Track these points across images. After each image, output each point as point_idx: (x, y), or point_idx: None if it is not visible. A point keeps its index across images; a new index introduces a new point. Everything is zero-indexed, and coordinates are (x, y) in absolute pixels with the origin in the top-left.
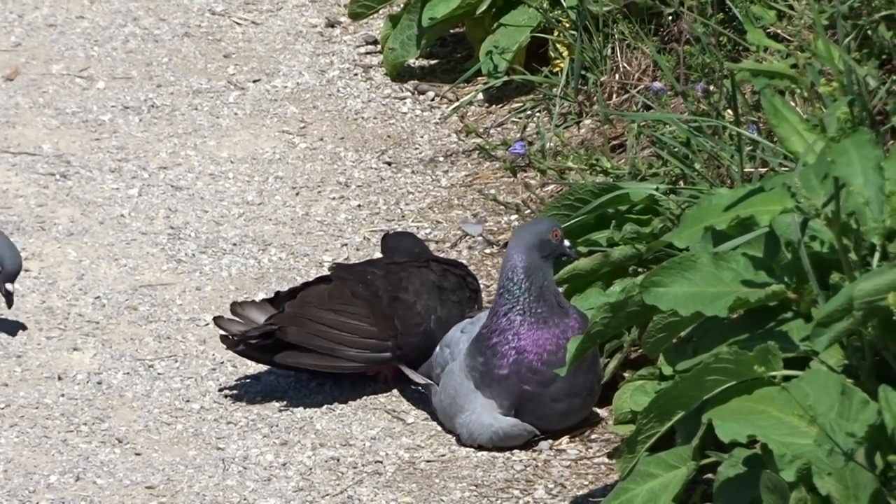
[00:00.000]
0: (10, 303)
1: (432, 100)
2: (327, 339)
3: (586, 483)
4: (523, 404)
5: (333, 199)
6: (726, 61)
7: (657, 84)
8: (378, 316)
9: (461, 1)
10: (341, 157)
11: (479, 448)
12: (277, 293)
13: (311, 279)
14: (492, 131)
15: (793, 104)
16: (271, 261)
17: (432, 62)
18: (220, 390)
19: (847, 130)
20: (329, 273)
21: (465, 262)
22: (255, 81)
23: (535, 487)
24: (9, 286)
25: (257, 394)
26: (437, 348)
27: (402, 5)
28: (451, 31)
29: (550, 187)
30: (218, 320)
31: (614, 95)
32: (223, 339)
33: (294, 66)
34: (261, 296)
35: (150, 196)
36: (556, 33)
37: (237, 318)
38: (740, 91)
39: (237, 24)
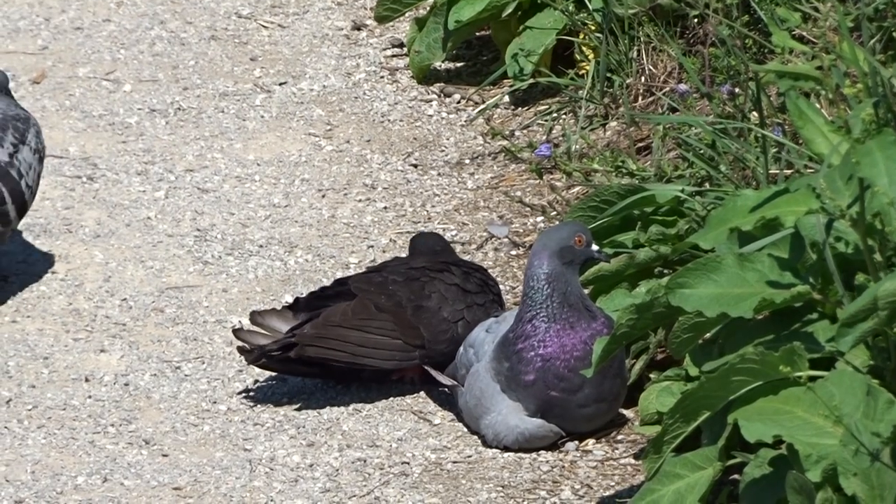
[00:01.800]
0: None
1: (458, 102)
2: (352, 353)
3: (613, 484)
4: (550, 409)
5: (360, 201)
6: (751, 63)
7: (682, 86)
8: (404, 327)
9: (487, 4)
10: (367, 159)
11: (505, 449)
12: (297, 300)
13: (328, 284)
14: (518, 133)
15: (818, 106)
16: (297, 263)
17: (458, 65)
18: (247, 392)
19: (872, 132)
20: (345, 279)
21: (490, 263)
22: (281, 84)
23: (562, 488)
24: None
25: (284, 395)
26: (462, 348)
27: (427, 8)
28: (477, 33)
29: (576, 189)
30: (238, 333)
31: (640, 98)
32: (242, 351)
33: (320, 68)
34: (287, 298)
35: (176, 198)
36: (581, 36)
37: (258, 329)
38: (765, 93)
39: (263, 27)
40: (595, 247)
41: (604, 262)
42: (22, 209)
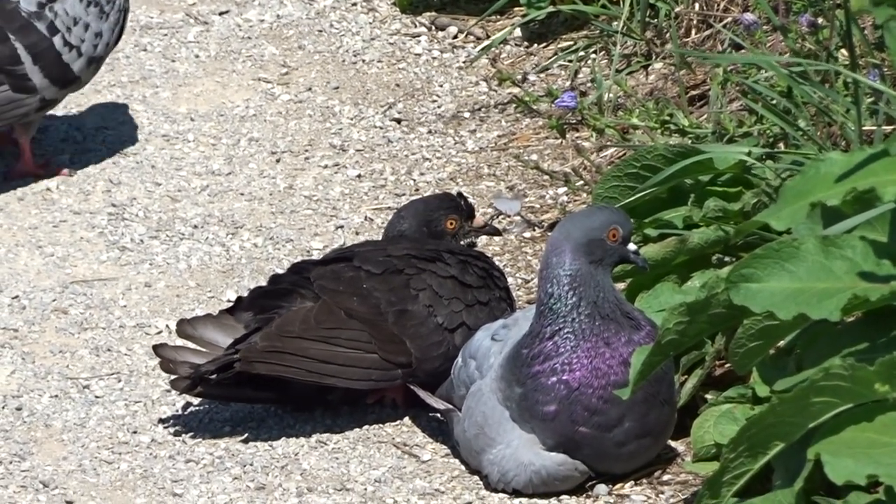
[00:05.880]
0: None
1: (455, 38)
2: (314, 371)
3: None
4: (577, 447)
5: (325, 167)
6: None
7: (749, 16)
8: (383, 340)
9: None
10: (336, 112)
11: (515, 493)
12: (240, 299)
13: (282, 272)
14: (533, 78)
15: None
16: (243, 248)
17: None
18: (178, 418)
19: None
20: (306, 264)
21: (497, 249)
22: (222, 14)
23: None
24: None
25: (226, 423)
26: (459, 359)
27: None
28: None
29: (609, 151)
30: (161, 349)
31: (693, 31)
32: (174, 383)
33: None
34: (229, 295)
35: (84, 164)
36: None
37: (188, 343)
38: (857, 25)
39: None
40: (633, 246)
41: (644, 271)
42: (60, 74)
